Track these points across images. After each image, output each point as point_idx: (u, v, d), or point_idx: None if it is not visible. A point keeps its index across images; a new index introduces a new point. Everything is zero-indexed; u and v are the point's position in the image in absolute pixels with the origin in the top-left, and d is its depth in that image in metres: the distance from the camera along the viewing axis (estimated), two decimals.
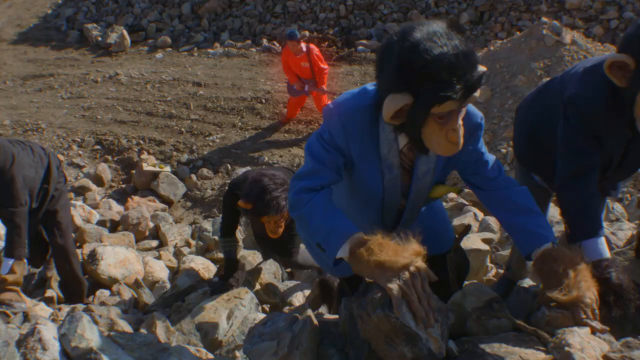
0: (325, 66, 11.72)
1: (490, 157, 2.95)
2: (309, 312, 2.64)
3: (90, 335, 2.41)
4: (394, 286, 2.23)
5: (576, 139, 3.12)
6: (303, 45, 11.55)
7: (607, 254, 2.87)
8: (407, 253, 2.33)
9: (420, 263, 2.33)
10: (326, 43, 16.18)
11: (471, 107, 2.76)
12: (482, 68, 2.34)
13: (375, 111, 2.57)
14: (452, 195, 8.43)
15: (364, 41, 16.11)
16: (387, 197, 2.91)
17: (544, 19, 12.24)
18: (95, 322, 3.83)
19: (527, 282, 4.52)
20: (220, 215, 5.59)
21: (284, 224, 4.69)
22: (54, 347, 2.39)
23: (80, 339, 2.37)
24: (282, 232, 4.76)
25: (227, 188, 5.23)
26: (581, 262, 2.58)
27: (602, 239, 2.91)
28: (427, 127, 2.40)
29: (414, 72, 2.25)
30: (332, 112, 2.66)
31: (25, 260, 5.35)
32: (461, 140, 2.43)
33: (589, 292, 2.48)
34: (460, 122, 2.41)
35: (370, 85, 2.67)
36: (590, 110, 3.02)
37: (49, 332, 2.44)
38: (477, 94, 2.34)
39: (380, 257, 2.31)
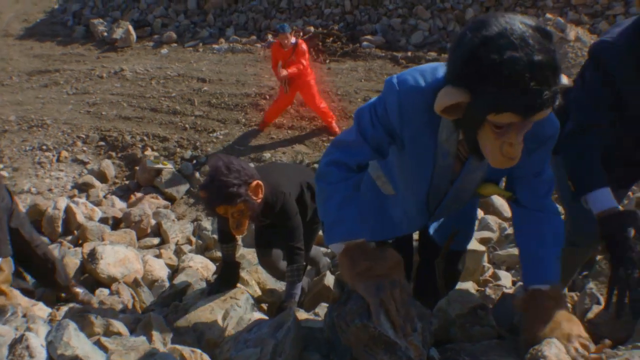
0: (304, 62, 11.64)
1: (549, 175, 2.73)
2: (295, 318, 2.66)
3: (75, 343, 2.44)
4: (372, 295, 2.26)
5: (585, 91, 3.01)
6: (293, 39, 11.61)
7: (613, 202, 2.81)
8: (386, 263, 2.35)
9: (399, 273, 2.35)
10: (331, 38, 16.18)
11: (551, 113, 2.46)
12: (563, 81, 2.10)
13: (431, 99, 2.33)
14: None
15: (368, 37, 16.09)
16: (435, 182, 2.74)
17: (549, 15, 12.24)
18: (91, 323, 3.87)
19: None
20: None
21: (246, 222, 4.32)
22: (41, 354, 2.42)
23: (66, 346, 2.40)
24: (245, 229, 4.40)
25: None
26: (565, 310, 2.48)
27: (607, 189, 2.84)
28: (482, 132, 2.21)
29: (476, 70, 2.05)
30: (393, 88, 2.46)
31: (10, 258, 5.09)
32: (518, 156, 2.21)
33: (575, 327, 2.39)
34: (521, 137, 2.18)
35: (443, 65, 2.41)
36: (606, 55, 2.91)
37: (37, 340, 2.47)
38: (546, 112, 2.08)
39: (360, 265, 2.34)
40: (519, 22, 2.03)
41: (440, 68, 2.43)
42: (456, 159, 2.61)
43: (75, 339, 2.46)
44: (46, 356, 2.43)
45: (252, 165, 4.84)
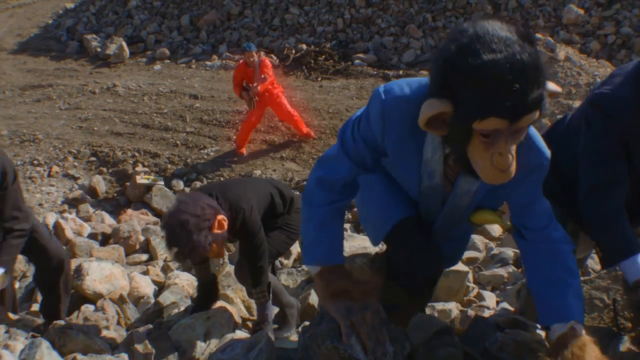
0: (269, 74, 11.87)
1: (543, 205, 2.59)
2: (267, 339, 2.67)
3: None
4: (343, 317, 2.26)
5: (599, 145, 2.83)
6: (256, 57, 11.82)
7: None
8: (361, 286, 2.36)
9: (373, 297, 2.36)
10: (323, 56, 16.22)
11: (540, 141, 2.45)
12: (551, 87, 2.07)
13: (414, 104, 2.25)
14: None
15: (360, 55, 16.14)
16: (423, 203, 2.67)
17: (539, 35, 12.29)
18: (72, 340, 3.87)
19: (488, 312, 4.47)
20: None
21: (222, 249, 4.33)
22: None
23: None
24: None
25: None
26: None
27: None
28: (471, 146, 2.11)
29: (456, 77, 1.98)
30: (378, 96, 2.39)
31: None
32: (512, 169, 2.10)
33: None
34: (513, 148, 2.09)
35: None
36: (615, 108, 2.76)
37: (10, 357, 2.48)
38: (533, 116, 2.01)
39: (334, 287, 2.35)
40: (497, 26, 1.99)
41: (422, 84, 2.36)
42: (445, 180, 2.53)
43: (48, 357, 2.47)
44: None
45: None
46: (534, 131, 2.45)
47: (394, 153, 2.47)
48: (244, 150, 12.22)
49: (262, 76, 11.63)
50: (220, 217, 4.11)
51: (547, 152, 2.47)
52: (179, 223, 3.92)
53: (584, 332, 2.40)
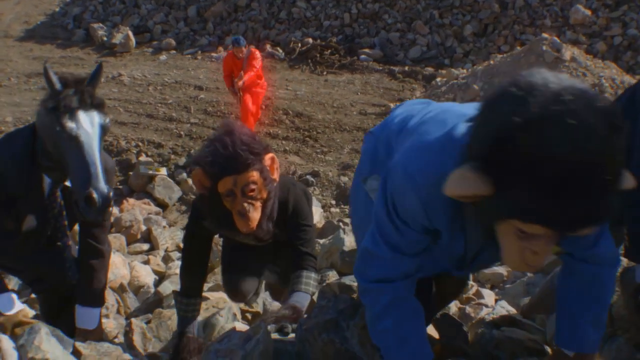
0: (256, 65, 11.64)
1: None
2: (265, 330, 2.68)
3: (46, 347, 2.46)
4: None
5: None
6: (245, 51, 11.66)
7: None
8: None
9: None
10: (329, 51, 16.22)
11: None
12: (626, 183, 1.63)
13: None
14: None
15: (366, 50, 16.15)
16: (468, 252, 2.25)
17: (545, 34, 12.28)
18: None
19: (486, 310, 4.42)
20: (181, 260, 3.83)
21: (259, 208, 3.15)
22: (13, 357, 2.44)
23: (37, 350, 2.42)
24: (261, 225, 3.20)
25: (190, 213, 3.73)
26: None
27: None
28: (503, 227, 1.73)
29: (509, 161, 1.54)
30: (403, 183, 1.98)
31: None
32: (542, 266, 1.82)
33: None
34: (552, 246, 1.74)
35: (459, 130, 1.93)
36: None
37: (9, 342, 2.49)
38: (592, 229, 1.63)
39: None
40: (583, 104, 1.52)
41: (455, 132, 1.95)
42: None
43: (47, 343, 2.48)
44: (17, 359, 2.45)
45: None
46: None
47: (444, 230, 2.09)
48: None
49: (250, 73, 11.47)
50: (272, 155, 3.22)
51: (616, 252, 2.19)
52: (238, 126, 3.17)
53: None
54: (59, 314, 3.91)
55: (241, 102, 11.69)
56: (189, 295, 3.62)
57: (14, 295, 3.76)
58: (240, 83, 11.34)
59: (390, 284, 2.17)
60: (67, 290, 3.82)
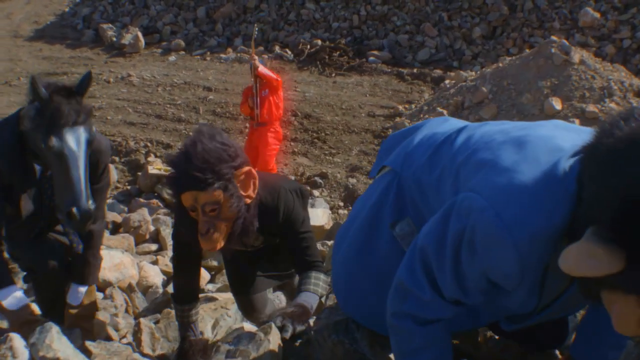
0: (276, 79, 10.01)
1: None
2: (274, 330, 2.69)
3: (57, 345, 2.48)
4: None
5: None
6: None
7: None
8: None
9: None
10: (338, 52, 16.23)
11: None
12: None
13: (569, 229, 1.59)
14: None
15: (375, 52, 16.14)
16: (539, 305, 1.97)
17: (554, 37, 12.25)
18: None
19: None
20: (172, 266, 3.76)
21: (223, 229, 2.91)
22: (24, 355, 2.46)
23: (48, 349, 2.45)
24: (229, 243, 3.01)
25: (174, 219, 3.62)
26: None
27: None
28: (619, 296, 1.43)
29: None
30: (499, 235, 1.68)
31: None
32: None
33: None
34: None
35: (562, 168, 1.67)
36: None
37: (20, 341, 2.52)
38: None
39: None
40: None
41: (558, 171, 1.67)
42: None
43: (58, 342, 2.50)
44: (29, 357, 2.47)
45: None
46: None
47: (521, 293, 1.85)
48: None
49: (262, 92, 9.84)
50: (248, 169, 2.97)
51: None
52: (209, 131, 2.90)
53: None
54: (53, 305, 4.00)
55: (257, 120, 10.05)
56: (183, 302, 3.43)
57: (20, 292, 3.67)
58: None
59: (422, 327, 1.98)
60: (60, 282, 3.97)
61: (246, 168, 2.93)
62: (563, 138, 1.72)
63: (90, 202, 3.25)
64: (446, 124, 2.30)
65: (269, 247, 3.61)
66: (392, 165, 2.35)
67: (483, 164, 1.84)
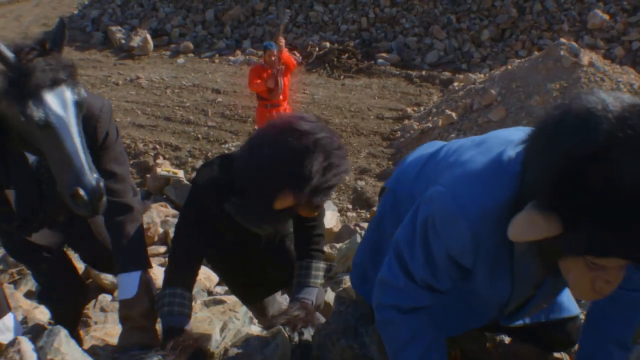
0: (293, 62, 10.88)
1: None
2: (283, 335, 2.69)
3: (65, 349, 2.48)
4: None
5: None
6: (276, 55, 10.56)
7: None
8: None
9: None
10: (346, 55, 16.23)
11: None
12: None
13: (515, 206, 1.67)
14: None
15: (384, 54, 16.16)
16: (515, 295, 2.10)
17: (563, 39, 12.22)
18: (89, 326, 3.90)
19: None
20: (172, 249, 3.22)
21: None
22: (32, 358, 2.46)
23: (56, 352, 2.45)
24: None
25: (192, 186, 3.25)
26: None
27: None
28: (570, 262, 1.61)
29: (580, 193, 1.42)
30: (454, 214, 1.84)
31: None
32: (611, 292, 1.64)
33: None
34: (624, 272, 1.62)
35: (507, 155, 1.83)
36: None
37: (28, 344, 2.51)
38: None
39: None
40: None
41: (503, 157, 1.84)
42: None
43: (66, 346, 2.50)
44: None
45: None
46: None
47: (487, 272, 1.97)
48: None
49: (279, 67, 10.41)
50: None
51: None
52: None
53: None
54: (62, 313, 3.51)
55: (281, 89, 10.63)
56: (175, 285, 2.97)
57: (10, 320, 3.07)
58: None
59: (404, 316, 2.10)
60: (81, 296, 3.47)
61: None
62: (517, 134, 1.84)
63: (95, 175, 2.59)
64: (433, 145, 2.45)
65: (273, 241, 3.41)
66: (389, 185, 2.53)
67: (449, 165, 2.03)
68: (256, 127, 11.37)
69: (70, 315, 3.53)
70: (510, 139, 1.92)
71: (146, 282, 3.15)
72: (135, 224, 3.18)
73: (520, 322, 2.34)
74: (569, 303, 2.48)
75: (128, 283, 3.11)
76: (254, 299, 3.80)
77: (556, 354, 2.64)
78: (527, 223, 1.55)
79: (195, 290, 5.44)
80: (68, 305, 3.49)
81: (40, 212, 3.13)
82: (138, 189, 10.51)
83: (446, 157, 2.14)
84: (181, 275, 3.00)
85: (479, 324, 2.44)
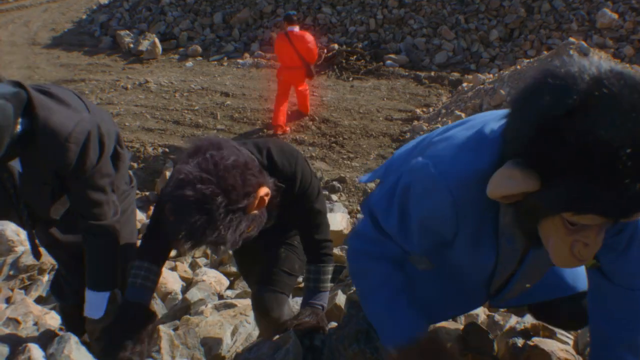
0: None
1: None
2: (295, 339, 2.67)
3: (76, 356, 2.47)
4: None
5: None
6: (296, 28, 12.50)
7: None
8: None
9: None
10: (355, 56, 16.22)
11: None
12: None
13: (496, 170, 1.65)
14: None
15: (392, 56, 16.14)
16: (499, 270, 2.12)
17: (572, 39, 12.18)
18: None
19: (515, 319, 4.35)
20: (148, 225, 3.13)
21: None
22: None
23: (67, 359, 2.44)
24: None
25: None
26: None
27: None
28: (548, 222, 1.63)
29: (556, 152, 1.44)
30: (434, 182, 1.85)
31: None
32: (591, 258, 1.67)
33: None
34: (603, 235, 1.62)
35: (490, 127, 1.85)
36: None
37: (38, 351, 2.51)
38: None
39: None
40: (626, 85, 1.43)
41: (485, 130, 1.87)
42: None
43: (76, 352, 2.49)
44: None
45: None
46: None
47: (470, 241, 1.98)
48: (287, 128, 12.66)
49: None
50: (264, 189, 2.59)
51: None
52: (198, 200, 2.34)
53: None
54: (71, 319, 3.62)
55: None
56: (144, 259, 2.94)
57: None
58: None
59: (375, 261, 2.19)
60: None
61: (262, 189, 2.58)
62: (503, 112, 1.79)
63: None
64: (421, 136, 2.44)
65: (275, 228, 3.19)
66: (379, 176, 2.50)
67: (433, 143, 2.04)
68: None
69: (77, 313, 3.46)
70: (495, 115, 1.96)
71: (114, 298, 3.20)
72: (110, 245, 3.14)
73: (512, 304, 2.51)
74: (575, 281, 2.52)
75: (95, 301, 3.15)
76: (254, 279, 3.75)
77: (570, 356, 2.62)
78: (505, 177, 1.57)
79: (205, 294, 5.47)
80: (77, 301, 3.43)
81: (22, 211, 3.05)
82: (148, 192, 10.48)
83: (430, 137, 2.16)
84: (151, 248, 3.00)
85: (469, 306, 2.53)
